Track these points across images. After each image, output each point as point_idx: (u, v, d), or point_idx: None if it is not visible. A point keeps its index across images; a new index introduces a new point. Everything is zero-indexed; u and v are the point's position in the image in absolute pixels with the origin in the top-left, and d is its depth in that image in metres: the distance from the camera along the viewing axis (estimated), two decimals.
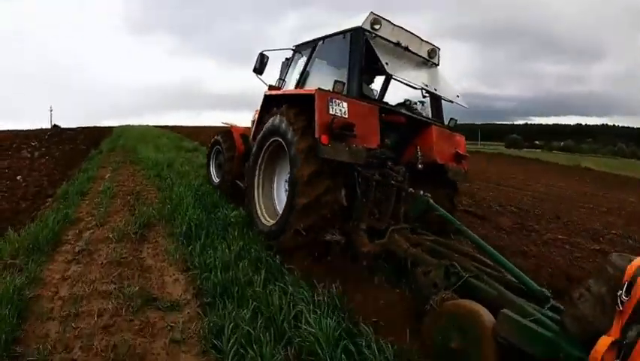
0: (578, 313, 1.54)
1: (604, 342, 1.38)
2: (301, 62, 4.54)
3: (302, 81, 4.34)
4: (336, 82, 3.33)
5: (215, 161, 6.29)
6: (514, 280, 2.27)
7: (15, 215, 4.54)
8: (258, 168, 3.99)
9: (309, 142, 3.12)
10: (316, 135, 3.01)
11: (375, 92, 4.56)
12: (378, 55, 3.43)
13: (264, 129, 3.87)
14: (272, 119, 3.73)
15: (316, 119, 3.04)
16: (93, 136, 18.02)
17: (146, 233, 4.08)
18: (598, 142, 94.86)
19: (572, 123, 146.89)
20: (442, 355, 1.98)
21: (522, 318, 1.78)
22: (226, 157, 5.51)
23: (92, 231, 4.12)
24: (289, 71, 4.83)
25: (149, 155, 10.10)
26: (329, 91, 3.25)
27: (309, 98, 3.18)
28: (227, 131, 5.81)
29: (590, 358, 1.39)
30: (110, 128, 27.66)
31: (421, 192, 3.08)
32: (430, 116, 4.13)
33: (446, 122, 4.21)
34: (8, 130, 28.87)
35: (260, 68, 4.84)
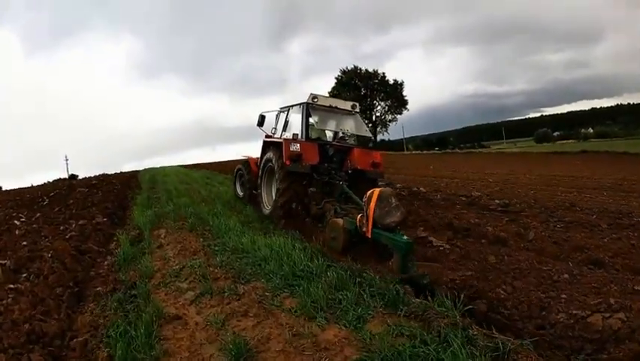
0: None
1: (359, 216, 4.50)
2: (283, 117, 7.54)
3: (285, 129, 7.32)
4: (293, 134, 6.73)
5: (239, 181, 9.37)
6: None
7: None
8: (262, 179, 7.21)
9: (281, 163, 6.16)
10: (284, 160, 6.05)
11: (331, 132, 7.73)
12: (312, 118, 6.78)
13: (264, 159, 7.02)
14: (267, 153, 6.86)
15: (284, 153, 6.08)
16: (113, 193, 12.51)
17: None
18: (618, 123, 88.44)
19: (586, 108, 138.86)
20: (329, 242, 4.80)
21: (351, 220, 4.67)
22: (247, 178, 8.61)
23: None
24: (278, 122, 7.75)
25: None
26: (290, 139, 6.50)
27: (281, 143, 6.31)
28: (246, 161, 8.85)
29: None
30: (135, 173, 22.32)
31: (341, 183, 6.19)
32: (356, 142, 7.44)
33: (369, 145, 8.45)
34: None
35: (261, 123, 7.95)
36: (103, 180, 17.29)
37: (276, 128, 7.70)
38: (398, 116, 58.86)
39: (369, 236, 4.15)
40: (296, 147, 6.10)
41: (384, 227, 3.98)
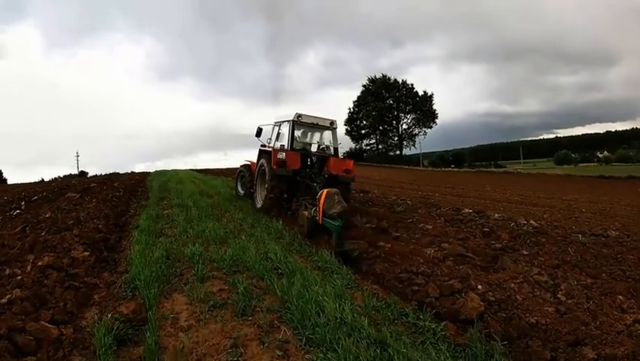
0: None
1: (313, 209, 6.38)
2: (276, 129, 9.17)
3: (277, 139, 8.99)
4: (281, 145, 8.45)
5: (240, 181, 10.94)
6: None
7: None
8: (256, 180, 8.93)
9: (270, 168, 7.78)
10: (272, 165, 7.67)
11: (316, 144, 9.32)
12: (295, 133, 8.47)
13: (259, 164, 8.78)
14: (261, 160, 8.63)
15: (272, 159, 7.69)
16: (111, 204, 9.63)
17: None
18: (634, 147, 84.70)
19: (601, 131, 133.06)
20: (299, 229, 6.32)
21: (312, 211, 6.24)
22: (247, 178, 10.14)
23: None
24: (272, 133, 9.30)
25: None
26: (278, 149, 8.08)
27: (271, 152, 7.94)
28: (247, 165, 10.35)
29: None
30: (144, 176, 19.50)
31: (315, 185, 7.33)
32: (332, 152, 8.85)
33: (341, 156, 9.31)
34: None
35: (258, 134, 9.43)
36: (104, 182, 14.16)
37: (270, 139, 9.32)
38: (428, 130, 55.20)
39: (321, 223, 5.63)
40: (282, 155, 7.74)
41: (329, 216, 5.48)
